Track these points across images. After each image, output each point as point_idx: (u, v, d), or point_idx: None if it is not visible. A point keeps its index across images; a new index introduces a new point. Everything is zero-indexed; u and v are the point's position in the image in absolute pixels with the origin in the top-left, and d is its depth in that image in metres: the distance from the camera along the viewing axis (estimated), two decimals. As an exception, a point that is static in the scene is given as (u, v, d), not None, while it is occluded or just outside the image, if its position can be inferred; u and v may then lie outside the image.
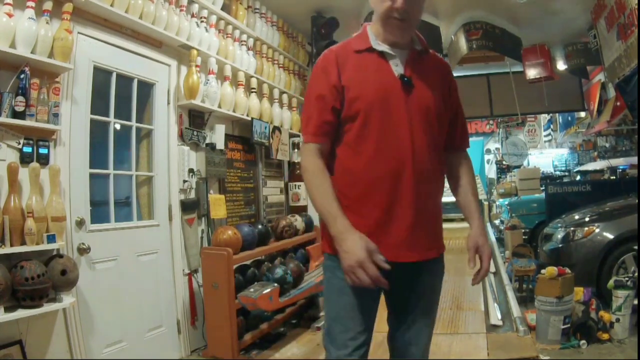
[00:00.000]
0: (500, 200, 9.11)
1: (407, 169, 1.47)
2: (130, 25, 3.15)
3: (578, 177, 7.62)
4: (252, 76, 4.40)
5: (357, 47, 1.56)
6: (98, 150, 3.00)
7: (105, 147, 3.08)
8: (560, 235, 4.39)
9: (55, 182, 2.52)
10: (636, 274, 3.62)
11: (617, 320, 3.32)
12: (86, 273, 2.75)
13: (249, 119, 4.29)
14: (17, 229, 2.27)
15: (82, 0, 2.70)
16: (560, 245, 4.33)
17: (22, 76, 2.38)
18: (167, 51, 3.55)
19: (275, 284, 3.45)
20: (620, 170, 6.91)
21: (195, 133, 3.74)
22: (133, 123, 3.31)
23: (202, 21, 3.74)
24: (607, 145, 8.60)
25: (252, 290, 3.29)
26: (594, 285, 3.83)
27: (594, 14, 4.95)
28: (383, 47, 1.54)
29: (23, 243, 2.30)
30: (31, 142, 2.48)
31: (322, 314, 4.07)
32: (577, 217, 4.55)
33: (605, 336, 3.31)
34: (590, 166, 7.76)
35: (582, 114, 8.90)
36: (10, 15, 2.34)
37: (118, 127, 3.23)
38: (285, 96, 5.04)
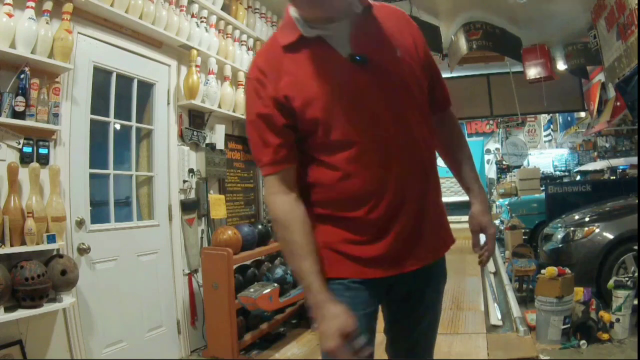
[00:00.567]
0: (500, 200, 9.11)
1: (396, 164, 1.19)
2: (130, 26, 3.15)
3: (578, 177, 7.61)
4: (252, 76, 4.40)
5: (284, 42, 1.21)
6: (98, 150, 3.00)
7: (105, 147, 3.08)
8: (560, 235, 4.39)
9: (55, 182, 2.52)
10: (636, 274, 3.62)
11: (617, 320, 3.32)
12: (86, 273, 2.75)
13: (249, 119, 4.28)
14: (17, 229, 2.27)
15: (82, 0, 2.70)
16: (560, 246, 4.32)
17: (22, 76, 2.38)
18: (167, 51, 3.55)
19: (275, 284, 3.45)
20: (620, 170, 6.91)
21: (195, 133, 3.74)
22: (133, 123, 3.31)
23: (202, 21, 3.74)
24: (607, 145, 8.60)
25: (252, 290, 3.29)
26: (594, 285, 3.83)
27: (594, 14, 4.95)
28: (316, 31, 1.18)
29: (23, 243, 2.30)
30: (31, 142, 2.48)
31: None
32: (577, 217, 4.55)
33: (605, 336, 3.31)
34: (590, 166, 7.76)
35: (582, 114, 8.90)
36: (10, 16, 2.34)
37: (118, 127, 3.23)
38: (285, 96, 5.03)
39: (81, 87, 2.84)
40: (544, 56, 6.07)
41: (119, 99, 3.17)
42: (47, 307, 2.35)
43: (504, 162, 12.05)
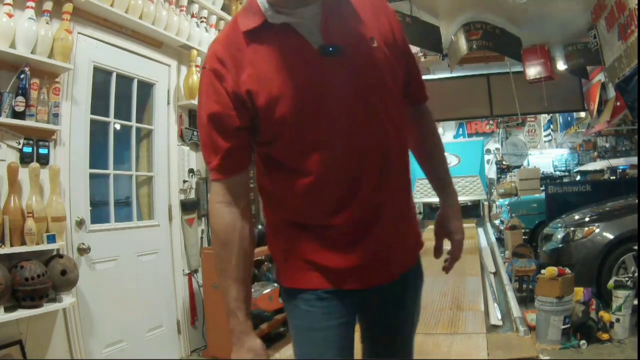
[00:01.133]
0: (500, 200, 9.11)
1: (369, 168, 1.09)
2: (130, 26, 3.15)
3: (578, 177, 7.61)
4: (252, 76, 4.40)
5: (246, 27, 1.05)
6: (98, 150, 3.00)
7: (105, 147, 3.08)
8: (560, 235, 4.39)
9: (55, 182, 2.52)
10: (636, 274, 3.61)
11: (617, 320, 3.32)
12: (86, 273, 2.75)
13: (249, 119, 4.28)
14: (17, 229, 2.27)
15: (82, 1, 2.70)
16: (560, 246, 4.32)
17: (22, 76, 2.38)
18: (167, 51, 3.55)
19: (276, 284, 3.45)
20: (620, 170, 6.91)
21: (195, 133, 3.74)
22: (133, 123, 3.31)
23: (202, 21, 3.74)
24: (607, 145, 8.60)
25: (252, 290, 3.29)
26: (594, 285, 3.83)
27: (594, 14, 4.94)
28: (283, 17, 1.03)
29: (23, 243, 2.30)
30: (31, 142, 2.48)
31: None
32: (577, 217, 4.55)
33: (605, 336, 3.31)
34: (590, 166, 7.76)
35: (582, 114, 8.90)
36: (10, 16, 2.34)
37: (118, 127, 3.23)
38: (285, 96, 5.03)
39: (81, 87, 2.84)
40: (544, 56, 6.07)
41: (119, 99, 3.17)
42: (47, 307, 2.35)
43: (504, 162, 12.05)
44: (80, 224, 2.77)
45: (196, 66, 3.59)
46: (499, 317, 3.93)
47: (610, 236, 3.98)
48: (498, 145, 12.98)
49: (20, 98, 2.36)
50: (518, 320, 3.69)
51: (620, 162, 7.10)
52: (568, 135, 10.54)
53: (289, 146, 1.07)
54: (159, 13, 3.27)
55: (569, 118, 10.13)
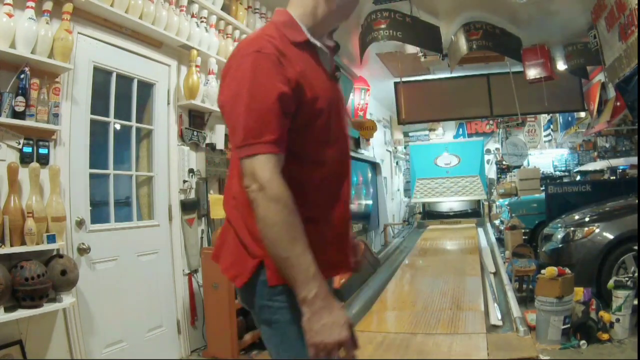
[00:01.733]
0: (500, 200, 9.12)
1: (348, 173, 1.34)
2: (130, 26, 3.15)
3: (578, 177, 7.62)
4: (252, 76, 4.40)
5: (294, 39, 1.23)
6: (98, 150, 3.00)
7: (105, 147, 3.08)
8: (560, 235, 4.39)
9: (55, 182, 2.52)
10: (636, 274, 3.62)
11: (617, 320, 3.32)
12: (86, 273, 2.75)
13: (249, 119, 4.28)
14: (17, 229, 2.27)
15: (82, 1, 2.70)
16: (560, 246, 4.33)
17: (22, 76, 2.38)
18: (167, 51, 3.55)
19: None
20: (620, 170, 6.91)
21: (195, 133, 3.74)
22: (133, 123, 3.31)
23: (202, 21, 3.74)
24: (607, 145, 8.60)
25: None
26: (594, 285, 3.83)
27: (594, 14, 4.95)
28: (317, 41, 1.29)
29: (23, 243, 2.30)
30: (31, 142, 2.48)
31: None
32: (577, 217, 4.55)
33: (605, 336, 3.31)
34: (590, 166, 7.76)
35: (582, 114, 8.90)
36: (10, 16, 2.34)
37: (118, 127, 3.23)
38: (285, 96, 5.03)
39: (81, 87, 2.84)
40: (544, 56, 6.07)
41: (119, 99, 3.17)
42: (47, 307, 2.35)
43: (504, 162, 12.05)
44: (80, 224, 2.77)
45: (196, 66, 3.59)
46: (499, 317, 3.93)
47: (610, 236, 3.98)
48: (498, 145, 12.99)
49: (20, 98, 2.36)
50: (518, 320, 3.69)
51: (620, 162, 7.10)
52: (568, 135, 10.54)
53: (318, 135, 1.23)
54: (159, 13, 3.27)
55: (569, 118, 10.13)
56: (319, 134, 1.23)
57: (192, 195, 3.73)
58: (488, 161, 12.66)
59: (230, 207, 1.28)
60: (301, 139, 1.19)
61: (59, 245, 2.47)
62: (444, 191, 11.20)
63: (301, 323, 1.10)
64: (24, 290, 2.22)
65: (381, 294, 4.98)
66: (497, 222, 8.36)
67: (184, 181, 3.64)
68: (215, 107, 3.85)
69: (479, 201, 11.17)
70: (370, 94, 7.89)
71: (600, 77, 7.38)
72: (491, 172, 12.68)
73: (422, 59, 6.43)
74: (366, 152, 8.76)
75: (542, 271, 3.55)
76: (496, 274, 5.49)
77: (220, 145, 3.94)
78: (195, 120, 3.78)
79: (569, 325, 3.33)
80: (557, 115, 10.78)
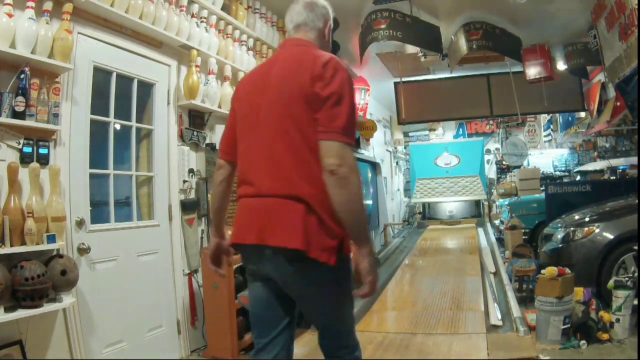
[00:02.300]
0: (500, 200, 9.11)
1: None
2: (130, 26, 3.15)
3: (578, 177, 7.62)
4: (252, 76, 4.40)
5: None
6: (98, 150, 3.00)
7: (105, 147, 3.08)
8: (560, 235, 4.39)
9: (55, 182, 2.52)
10: (636, 274, 3.62)
11: (617, 320, 3.32)
12: (86, 273, 2.75)
13: (249, 119, 4.28)
14: (17, 229, 2.27)
15: (82, 0, 2.70)
16: (560, 246, 4.32)
17: (22, 76, 2.38)
18: (167, 51, 3.55)
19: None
20: (620, 170, 6.91)
21: (195, 133, 3.74)
22: (133, 123, 3.31)
23: (202, 21, 3.74)
24: (607, 145, 8.60)
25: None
26: (594, 285, 3.83)
27: (594, 14, 4.95)
28: None
29: (23, 243, 2.30)
30: (31, 142, 2.48)
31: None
32: (577, 217, 4.55)
33: (605, 336, 3.31)
34: (590, 166, 7.76)
35: (582, 114, 8.90)
36: (10, 16, 2.34)
37: (118, 127, 3.23)
38: (285, 96, 5.03)
39: (81, 87, 2.84)
40: (544, 56, 6.07)
41: (119, 99, 3.17)
42: (47, 307, 2.35)
43: (504, 162, 12.05)
44: (80, 224, 2.77)
45: (196, 66, 3.59)
46: (499, 317, 3.93)
47: (610, 236, 3.98)
48: (498, 145, 12.99)
49: (20, 98, 2.36)
50: (518, 320, 3.69)
51: (620, 162, 7.10)
52: (568, 135, 10.54)
53: None
54: (159, 13, 3.27)
55: (569, 118, 10.13)
56: None
57: (192, 195, 3.73)
58: (488, 161, 12.66)
59: (312, 197, 1.52)
60: None
61: (59, 245, 2.47)
62: (444, 191, 11.20)
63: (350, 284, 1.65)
64: (24, 290, 2.22)
65: (381, 294, 4.98)
66: (497, 222, 8.36)
67: (184, 181, 3.64)
68: (215, 107, 3.85)
69: (479, 205, 11.17)
70: (370, 94, 7.89)
71: (600, 77, 7.39)
72: (491, 172, 12.69)
73: (422, 59, 6.43)
74: (366, 152, 8.76)
75: (542, 271, 3.55)
76: (496, 274, 5.49)
77: (220, 145, 3.94)
78: (195, 120, 3.78)
79: (569, 325, 3.33)
80: (557, 115, 10.79)
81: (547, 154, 11.84)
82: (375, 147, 9.46)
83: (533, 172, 8.67)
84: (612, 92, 6.92)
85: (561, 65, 6.72)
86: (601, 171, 7.09)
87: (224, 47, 4.00)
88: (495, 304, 4.25)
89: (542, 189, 7.87)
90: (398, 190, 12.33)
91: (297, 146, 1.54)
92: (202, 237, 3.79)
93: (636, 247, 3.80)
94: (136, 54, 3.29)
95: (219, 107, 3.91)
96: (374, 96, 8.49)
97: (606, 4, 4.56)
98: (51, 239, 2.41)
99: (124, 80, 3.23)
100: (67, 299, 2.48)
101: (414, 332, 3.70)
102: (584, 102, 7.81)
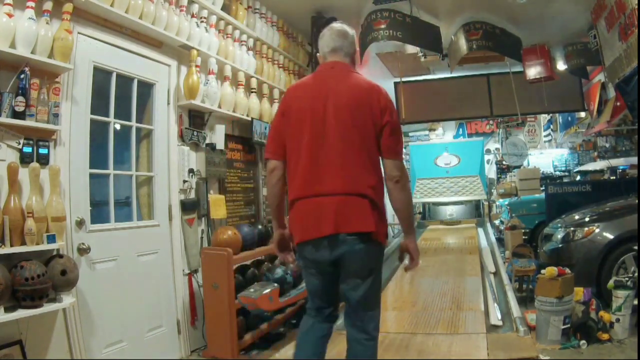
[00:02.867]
0: (500, 200, 9.11)
1: None
2: (130, 25, 3.15)
3: (578, 177, 7.61)
4: (252, 76, 4.40)
5: None
6: (98, 150, 3.00)
7: (105, 147, 3.08)
8: (560, 235, 4.39)
9: (55, 182, 2.52)
10: (636, 274, 3.62)
11: (617, 320, 3.32)
12: (86, 273, 2.75)
13: (249, 119, 4.29)
14: (17, 229, 2.27)
15: (82, 0, 2.70)
16: (560, 246, 4.32)
17: (22, 76, 2.38)
18: (167, 51, 3.55)
19: (276, 284, 3.45)
20: (620, 170, 6.91)
21: (195, 133, 3.74)
22: (133, 123, 3.31)
23: (202, 21, 3.74)
24: (607, 145, 8.60)
25: (252, 290, 3.29)
26: (594, 285, 3.83)
27: (594, 14, 4.95)
28: None
29: (23, 243, 2.30)
30: (31, 142, 2.48)
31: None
32: (577, 217, 4.55)
33: (605, 336, 3.31)
34: (590, 166, 7.76)
35: (582, 114, 8.90)
36: (10, 16, 2.34)
37: (118, 127, 3.23)
38: (285, 96, 5.03)
39: (81, 87, 2.84)
40: (544, 56, 6.08)
41: (119, 99, 3.17)
42: (47, 307, 2.35)
43: (504, 162, 12.04)
44: (80, 224, 2.77)
45: (196, 66, 3.59)
46: (499, 317, 3.93)
47: (610, 236, 3.98)
48: (498, 145, 12.98)
49: (20, 98, 2.36)
50: (518, 320, 3.69)
51: (620, 162, 7.10)
52: (568, 135, 10.54)
53: None
54: (159, 13, 3.27)
55: (569, 118, 10.13)
56: None
57: (192, 195, 3.73)
58: (488, 161, 12.65)
59: (374, 192, 2.02)
60: None
61: (59, 245, 2.47)
62: (444, 191, 11.18)
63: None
64: (24, 290, 2.22)
65: (381, 294, 4.97)
66: (497, 222, 8.35)
67: (184, 181, 3.64)
68: (215, 107, 3.85)
69: (479, 205, 11.17)
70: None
71: (600, 77, 7.39)
72: (491, 172, 12.68)
73: (422, 59, 6.43)
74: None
75: (542, 271, 3.54)
76: (496, 274, 5.48)
77: (220, 145, 3.94)
78: (195, 120, 3.78)
79: (569, 325, 3.33)
80: (557, 115, 10.78)
81: (547, 154, 11.84)
82: (375, 147, 9.43)
83: (533, 172, 8.68)
84: (612, 92, 6.91)
85: (561, 65, 6.72)
86: (601, 171, 7.09)
87: (224, 47, 4.00)
88: (495, 304, 4.24)
89: (542, 189, 7.88)
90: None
91: (362, 155, 2.02)
92: (202, 237, 3.79)
93: (636, 247, 3.80)
94: (136, 54, 3.29)
95: (219, 107, 3.91)
96: (374, 96, 8.48)
97: (606, 4, 4.56)
98: (51, 239, 2.41)
99: (124, 80, 3.23)
100: (67, 299, 2.48)
101: (414, 332, 3.70)
102: (584, 102, 7.81)
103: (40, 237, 2.38)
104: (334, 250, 1.99)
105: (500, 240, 7.52)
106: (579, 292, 3.50)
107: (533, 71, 6.09)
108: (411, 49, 6.09)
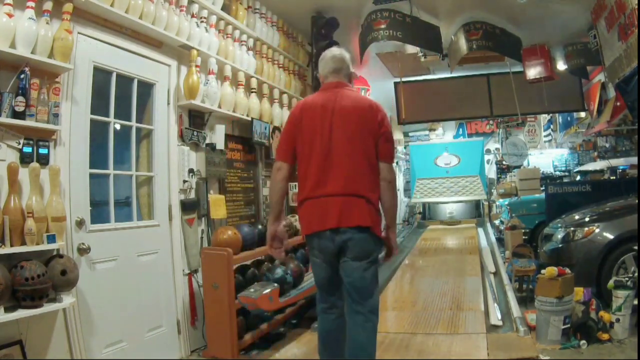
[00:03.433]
0: (500, 200, 9.11)
1: None
2: (130, 26, 3.15)
3: (578, 177, 7.61)
4: (252, 76, 4.40)
5: None
6: (98, 150, 3.00)
7: (105, 147, 3.08)
8: (560, 235, 4.39)
9: (55, 182, 2.52)
10: (636, 274, 3.62)
11: (617, 320, 3.32)
12: (86, 273, 2.75)
13: (249, 119, 4.29)
14: (17, 229, 2.27)
15: (82, 0, 2.70)
16: (560, 246, 4.32)
17: (22, 76, 2.38)
18: (167, 51, 3.55)
19: (276, 284, 3.45)
20: (620, 170, 6.91)
21: (195, 133, 3.74)
22: (133, 123, 3.31)
23: (202, 21, 3.74)
24: (607, 145, 8.60)
25: (252, 290, 3.29)
26: (594, 285, 3.83)
27: (594, 14, 4.95)
28: None
29: (23, 243, 2.30)
30: (31, 142, 2.48)
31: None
32: (577, 217, 4.55)
33: (605, 336, 3.31)
34: (590, 166, 7.76)
35: (582, 114, 8.90)
36: (10, 16, 2.34)
37: (118, 127, 3.23)
38: (285, 96, 5.04)
39: (81, 87, 2.84)
40: (544, 56, 6.07)
41: (119, 99, 3.17)
42: (47, 307, 2.35)
43: (504, 162, 12.04)
44: (80, 224, 2.77)
45: (196, 66, 3.59)
46: (499, 317, 3.93)
47: (610, 236, 3.98)
48: (498, 145, 12.98)
49: (20, 98, 2.36)
50: (518, 320, 3.69)
51: (620, 162, 7.10)
52: (568, 135, 10.54)
53: None
54: (159, 13, 3.27)
55: (569, 118, 10.13)
56: None
57: (192, 195, 3.73)
58: (488, 161, 12.66)
59: (371, 194, 2.37)
60: None
61: (59, 245, 2.47)
62: (444, 191, 11.20)
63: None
64: (24, 290, 2.22)
65: (381, 294, 4.99)
66: (497, 222, 8.36)
67: (184, 181, 3.64)
68: (215, 107, 3.85)
69: (479, 207, 11.17)
70: (371, 94, 7.88)
71: (600, 77, 7.39)
72: (491, 172, 12.68)
73: (422, 59, 6.43)
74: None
75: (542, 271, 3.55)
76: (496, 274, 5.49)
77: (220, 145, 3.94)
78: (195, 120, 3.78)
79: (569, 325, 3.33)
80: (557, 115, 10.78)
81: (547, 154, 11.84)
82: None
83: (533, 172, 8.67)
84: (612, 92, 6.91)
85: (561, 65, 6.72)
86: (601, 171, 7.09)
87: (224, 47, 4.00)
88: (495, 304, 4.25)
89: (542, 189, 7.88)
90: (398, 190, 12.33)
91: (363, 164, 2.38)
92: (202, 237, 3.79)
93: (636, 247, 3.80)
94: (136, 54, 3.29)
95: (219, 107, 3.91)
96: (374, 96, 8.46)
97: (606, 4, 4.56)
98: (51, 239, 2.41)
99: (124, 80, 3.23)
100: (67, 299, 2.48)
101: (414, 332, 3.70)
102: (584, 102, 7.81)
103: (40, 237, 2.38)
104: (337, 240, 2.33)
105: (500, 240, 7.52)
106: (579, 292, 3.50)
107: (533, 71, 6.09)
108: (411, 49, 6.09)
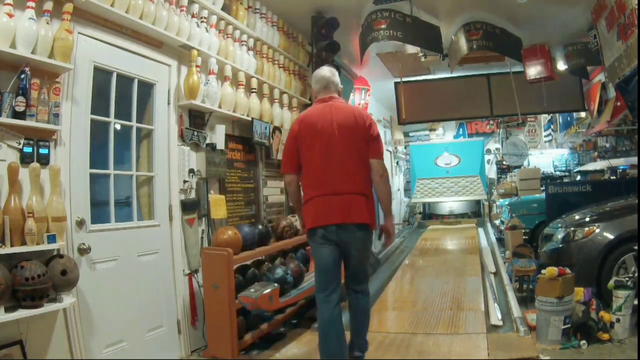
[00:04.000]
0: (500, 200, 9.11)
1: None
2: (131, 26, 3.15)
3: (578, 177, 7.61)
4: (252, 76, 4.40)
5: None
6: (98, 150, 3.00)
7: (105, 147, 3.08)
8: (560, 235, 4.39)
9: (55, 182, 2.52)
10: (636, 274, 3.62)
11: (618, 320, 3.32)
12: (86, 273, 2.75)
13: (249, 119, 4.29)
14: (17, 229, 2.27)
15: (82, 0, 2.70)
16: (560, 246, 4.32)
17: (22, 76, 2.38)
18: (168, 51, 3.55)
19: (276, 284, 3.45)
20: (621, 170, 6.91)
21: (195, 133, 3.74)
22: (133, 123, 3.31)
23: (202, 21, 3.74)
24: (608, 145, 8.60)
25: (252, 290, 3.29)
26: (594, 285, 3.83)
27: (594, 14, 4.94)
28: None
29: (23, 243, 2.30)
30: (31, 142, 2.48)
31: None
32: (577, 217, 4.55)
33: (606, 336, 3.31)
34: (591, 166, 7.76)
35: (582, 114, 8.89)
36: (10, 16, 2.34)
37: (118, 127, 3.23)
38: (285, 96, 5.04)
39: (81, 87, 2.84)
40: (544, 56, 6.07)
41: (119, 99, 3.17)
42: (47, 307, 2.35)
43: (504, 162, 12.04)
44: (80, 224, 2.78)
45: (197, 66, 3.59)
46: (499, 317, 3.93)
47: (611, 236, 3.98)
48: (498, 145, 12.98)
49: (20, 98, 2.36)
50: (518, 320, 3.69)
51: (620, 162, 7.10)
52: (568, 135, 10.54)
53: None
54: (159, 13, 3.27)
55: (569, 118, 10.13)
56: None
57: (193, 195, 3.73)
58: (488, 161, 12.65)
59: (368, 190, 2.78)
60: None
61: (59, 245, 2.47)
62: (444, 191, 11.19)
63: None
64: (24, 290, 2.22)
65: (381, 294, 4.98)
66: (497, 222, 8.35)
67: (184, 181, 3.64)
68: (215, 107, 3.86)
69: (479, 204, 11.17)
70: (371, 94, 7.88)
71: (600, 77, 7.38)
72: (491, 172, 12.68)
73: (422, 59, 6.43)
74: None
75: (543, 271, 3.55)
76: (496, 274, 5.49)
77: (220, 145, 3.94)
78: (195, 120, 3.78)
79: (569, 325, 3.33)
80: (557, 115, 10.78)
81: (548, 154, 11.83)
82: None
83: (533, 172, 8.67)
84: (612, 92, 6.91)
85: (561, 65, 6.72)
86: (601, 171, 7.09)
87: (224, 47, 4.00)
88: (496, 304, 4.25)
89: (542, 189, 7.87)
90: (398, 190, 12.32)
91: (359, 163, 2.77)
92: (202, 237, 3.79)
93: (636, 247, 3.80)
94: (136, 54, 3.29)
95: (219, 107, 3.91)
96: (374, 96, 8.49)
97: (606, 4, 4.56)
98: (51, 239, 2.42)
99: (124, 80, 3.23)
100: (67, 299, 2.48)
101: (414, 332, 3.70)
102: (584, 102, 7.81)
103: (40, 237, 2.38)
104: (339, 234, 2.71)
105: (500, 240, 7.52)
106: (579, 292, 3.50)
107: (533, 71, 6.09)
108: (411, 49, 6.09)
